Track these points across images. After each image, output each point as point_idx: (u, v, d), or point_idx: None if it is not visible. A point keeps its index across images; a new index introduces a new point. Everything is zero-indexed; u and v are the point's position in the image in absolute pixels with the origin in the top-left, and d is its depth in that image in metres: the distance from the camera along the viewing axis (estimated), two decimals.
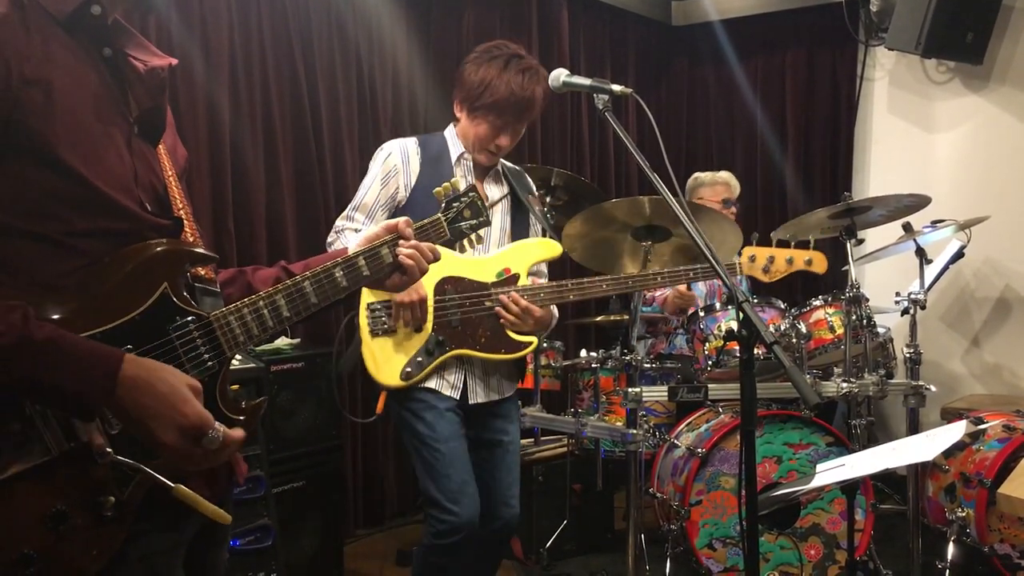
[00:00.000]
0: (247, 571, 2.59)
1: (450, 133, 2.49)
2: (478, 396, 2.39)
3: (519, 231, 2.53)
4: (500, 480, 2.43)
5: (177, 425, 1.10)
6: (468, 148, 2.44)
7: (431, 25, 4.17)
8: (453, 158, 2.45)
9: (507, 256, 2.39)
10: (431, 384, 2.32)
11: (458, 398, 2.35)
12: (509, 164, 2.59)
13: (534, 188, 2.65)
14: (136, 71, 1.29)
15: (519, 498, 2.48)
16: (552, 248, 2.44)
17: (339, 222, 2.44)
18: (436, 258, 1.55)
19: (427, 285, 2.29)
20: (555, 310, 2.46)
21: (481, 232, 1.69)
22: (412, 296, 2.22)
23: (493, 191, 2.52)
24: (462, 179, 2.42)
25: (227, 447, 1.15)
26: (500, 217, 2.49)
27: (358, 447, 3.82)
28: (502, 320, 2.32)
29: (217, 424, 1.13)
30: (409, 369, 2.27)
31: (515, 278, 2.36)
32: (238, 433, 1.17)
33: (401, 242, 1.49)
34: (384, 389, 2.30)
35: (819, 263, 2.53)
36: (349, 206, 2.44)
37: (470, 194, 1.67)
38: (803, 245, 2.52)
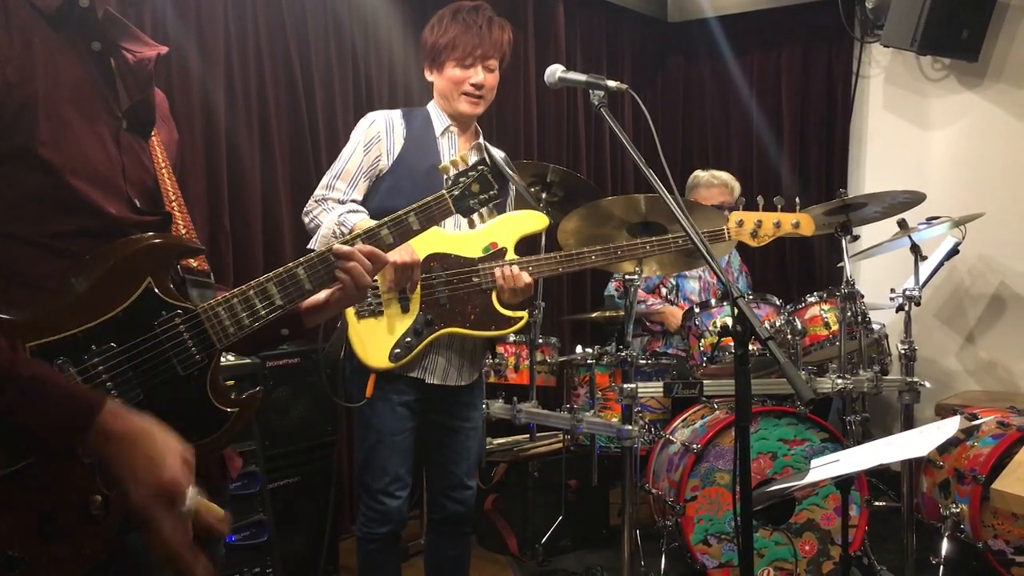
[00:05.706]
0: (242, 567, 2.59)
1: (433, 108, 2.45)
2: (445, 379, 2.35)
3: (501, 204, 2.46)
4: (459, 464, 2.44)
5: (153, 489, 1.05)
6: (451, 104, 2.38)
7: (427, 21, 4.14)
8: (437, 131, 2.40)
9: (493, 230, 2.31)
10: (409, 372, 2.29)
11: (426, 381, 2.31)
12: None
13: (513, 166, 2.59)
14: (127, 63, 1.27)
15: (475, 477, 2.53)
16: (539, 220, 2.37)
17: (319, 191, 2.34)
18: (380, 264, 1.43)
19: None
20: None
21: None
22: (404, 256, 2.13)
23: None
24: (450, 152, 2.37)
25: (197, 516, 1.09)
26: None
27: (353, 442, 3.82)
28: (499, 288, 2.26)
29: (189, 496, 1.07)
30: (398, 350, 2.22)
31: (502, 252, 2.30)
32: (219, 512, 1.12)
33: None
34: (373, 372, 2.25)
35: (806, 225, 2.47)
36: (329, 175, 2.35)
37: (480, 167, 1.59)
38: (790, 208, 2.50)
